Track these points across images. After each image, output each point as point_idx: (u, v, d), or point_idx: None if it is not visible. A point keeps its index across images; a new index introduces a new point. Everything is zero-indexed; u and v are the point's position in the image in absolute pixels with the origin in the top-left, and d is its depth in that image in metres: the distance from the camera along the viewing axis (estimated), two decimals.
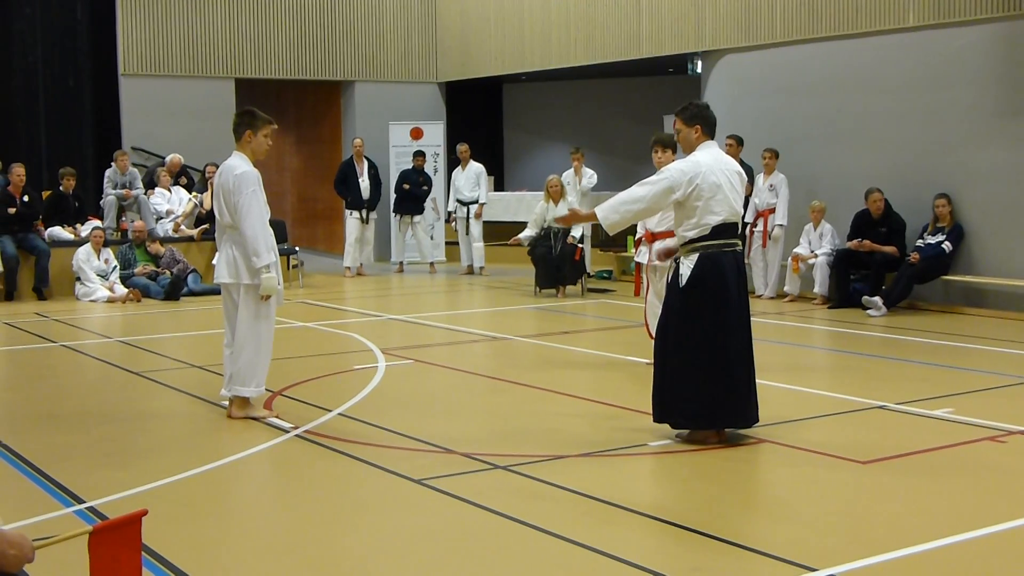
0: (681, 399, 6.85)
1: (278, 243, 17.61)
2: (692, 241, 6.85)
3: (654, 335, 7.40)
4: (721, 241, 6.84)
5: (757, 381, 7.03)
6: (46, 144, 19.80)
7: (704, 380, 6.79)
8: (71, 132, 20.07)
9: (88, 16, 19.94)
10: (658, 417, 7.01)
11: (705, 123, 7.04)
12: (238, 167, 7.69)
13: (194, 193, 17.76)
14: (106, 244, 15.87)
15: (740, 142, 14.54)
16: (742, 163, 15.02)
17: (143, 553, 4.80)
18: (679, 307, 6.89)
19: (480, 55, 21.29)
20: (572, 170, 16.94)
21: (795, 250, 14.47)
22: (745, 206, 14.80)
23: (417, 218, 19.18)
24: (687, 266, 6.85)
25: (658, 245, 9.21)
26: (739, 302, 6.89)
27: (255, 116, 7.77)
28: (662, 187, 6.83)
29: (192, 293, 15.78)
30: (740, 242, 7.03)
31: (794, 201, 14.58)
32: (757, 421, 6.97)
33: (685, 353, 6.85)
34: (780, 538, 5.21)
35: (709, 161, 6.87)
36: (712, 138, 7.07)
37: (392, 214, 19.39)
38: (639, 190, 6.97)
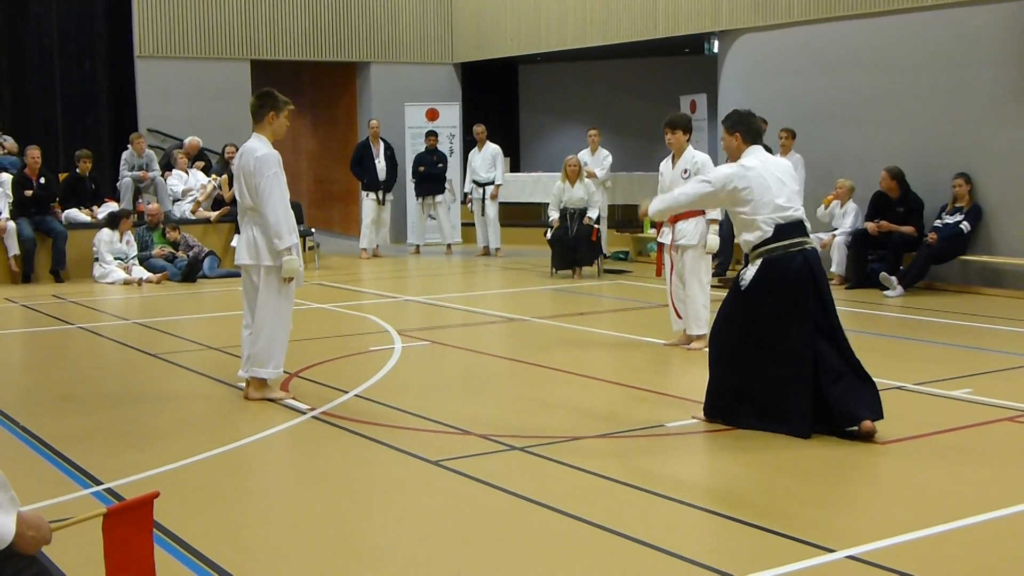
0: (731, 398, 6.80)
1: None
2: (756, 246, 6.76)
3: (708, 333, 7.34)
4: (787, 242, 6.69)
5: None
6: (62, 126, 19.83)
7: (755, 382, 6.71)
8: (87, 114, 20.08)
9: None
10: (710, 414, 6.96)
11: (746, 131, 7.02)
12: (259, 149, 7.69)
13: (213, 175, 17.76)
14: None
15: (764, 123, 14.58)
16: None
17: (161, 534, 4.86)
18: (739, 309, 6.79)
19: (496, 36, 21.23)
20: (588, 150, 16.95)
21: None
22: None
23: (438, 198, 19.18)
24: (751, 270, 6.75)
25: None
26: (809, 305, 6.61)
27: (276, 97, 7.78)
28: (704, 191, 6.98)
29: (206, 277, 15.78)
30: (809, 240, 6.84)
31: (811, 181, 14.51)
32: (806, 434, 6.54)
33: (739, 355, 6.75)
34: (799, 519, 5.20)
35: (755, 165, 6.81)
36: (755, 143, 7.02)
37: (414, 198, 19.42)
38: (691, 188, 7.15)
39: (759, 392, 6.70)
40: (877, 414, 6.53)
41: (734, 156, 7.01)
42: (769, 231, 6.68)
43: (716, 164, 9.17)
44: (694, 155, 9.62)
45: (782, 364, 6.60)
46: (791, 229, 6.72)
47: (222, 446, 6.57)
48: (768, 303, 6.64)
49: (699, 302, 9.57)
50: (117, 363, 9.82)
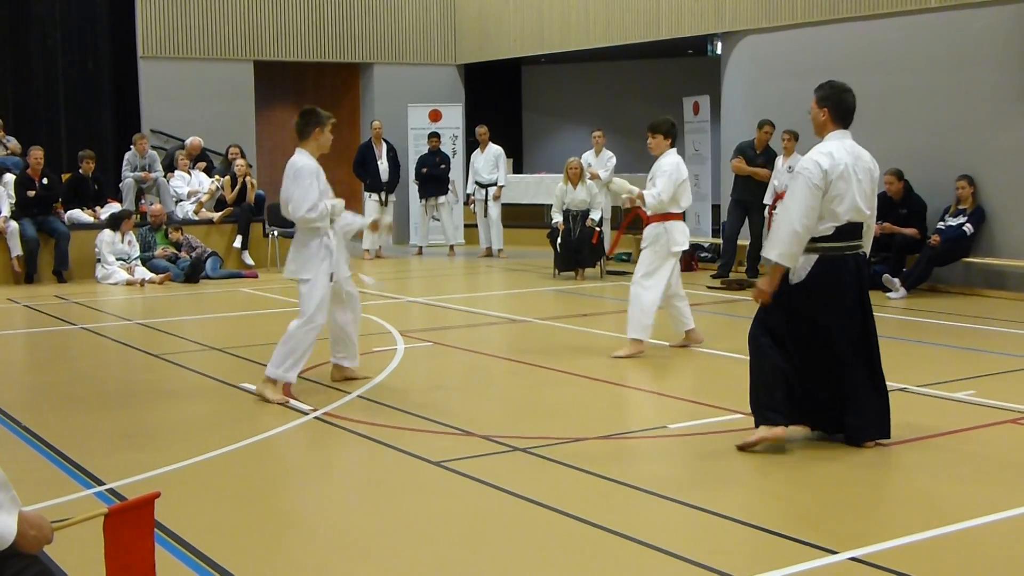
0: (767, 394, 6.33)
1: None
2: (813, 240, 6.25)
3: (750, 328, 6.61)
4: (844, 243, 6.31)
5: None
6: (65, 127, 19.84)
7: (791, 380, 6.30)
8: (90, 115, 20.09)
9: None
10: (756, 420, 6.42)
11: (835, 108, 6.45)
12: (298, 162, 8.00)
13: (216, 176, 17.76)
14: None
15: (773, 126, 14.64)
16: (767, 149, 14.97)
17: (163, 534, 4.86)
18: (785, 304, 6.33)
19: (499, 37, 21.24)
20: (592, 151, 16.95)
21: None
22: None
23: (442, 199, 19.19)
24: (803, 266, 6.29)
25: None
26: (856, 309, 6.36)
27: (319, 114, 8.10)
28: (805, 188, 6.21)
29: (209, 278, 15.79)
30: (863, 243, 6.44)
31: None
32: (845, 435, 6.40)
33: (782, 353, 6.33)
34: (801, 520, 5.19)
35: (841, 154, 6.28)
36: (844, 127, 6.45)
37: (418, 199, 19.44)
38: (786, 205, 6.36)
39: (788, 389, 6.33)
40: (884, 433, 6.42)
41: (818, 133, 6.49)
42: (832, 230, 6.26)
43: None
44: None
45: (820, 365, 6.37)
46: (854, 230, 6.34)
47: (224, 446, 6.57)
48: (815, 303, 6.30)
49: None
50: (119, 363, 9.82)
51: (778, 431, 6.28)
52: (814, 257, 6.28)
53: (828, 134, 6.45)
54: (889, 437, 6.43)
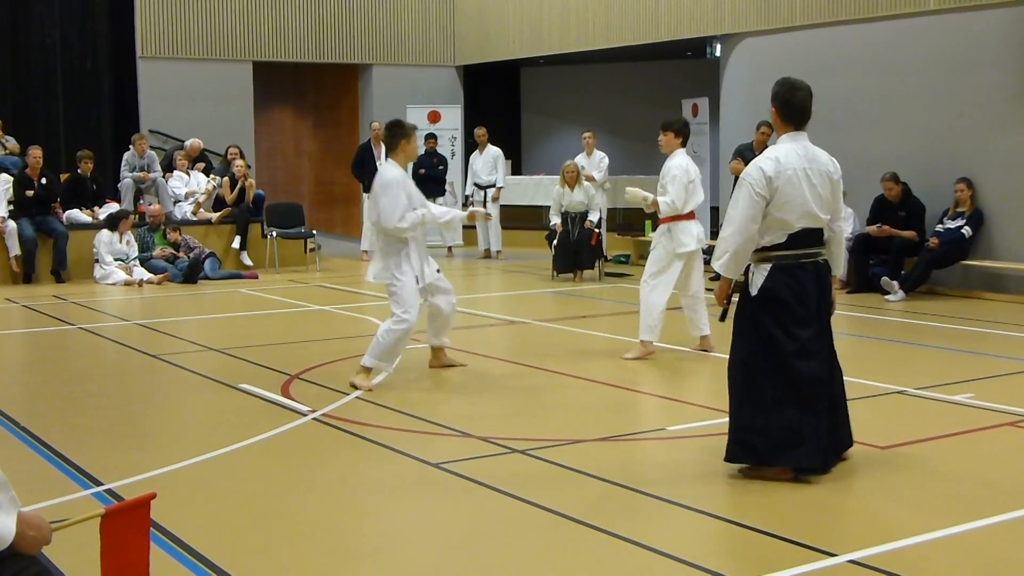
0: (744, 429, 5.92)
1: (294, 226, 17.63)
2: (765, 249, 5.96)
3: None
4: (800, 251, 5.95)
5: None
6: (64, 127, 19.83)
7: (770, 409, 5.85)
8: (89, 115, 20.08)
9: None
10: (728, 454, 5.99)
11: (783, 106, 6.11)
12: (386, 173, 8.34)
13: (213, 176, 17.75)
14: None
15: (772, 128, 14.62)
16: (765, 147, 14.98)
17: (161, 535, 4.86)
18: (746, 320, 6.02)
19: (498, 38, 21.24)
20: (584, 153, 16.97)
21: None
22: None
23: (439, 200, 19.18)
24: (759, 275, 5.97)
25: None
26: (819, 320, 5.98)
27: (404, 126, 8.57)
28: (747, 197, 5.89)
29: (208, 278, 15.76)
30: (823, 251, 6.07)
31: None
32: (827, 464, 5.93)
33: (751, 376, 5.95)
34: (799, 523, 5.19)
35: (789, 159, 5.94)
36: (797, 128, 6.08)
37: None
38: (729, 214, 6.02)
39: (769, 419, 5.88)
40: (850, 442, 6.21)
41: (778, 135, 6.19)
42: (784, 237, 5.96)
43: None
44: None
45: (790, 386, 5.91)
46: (810, 237, 5.99)
47: (222, 447, 6.57)
48: (776, 316, 5.94)
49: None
50: (117, 364, 9.82)
51: None
52: (767, 267, 5.96)
53: (781, 136, 6.12)
54: (851, 444, 6.20)
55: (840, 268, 6.26)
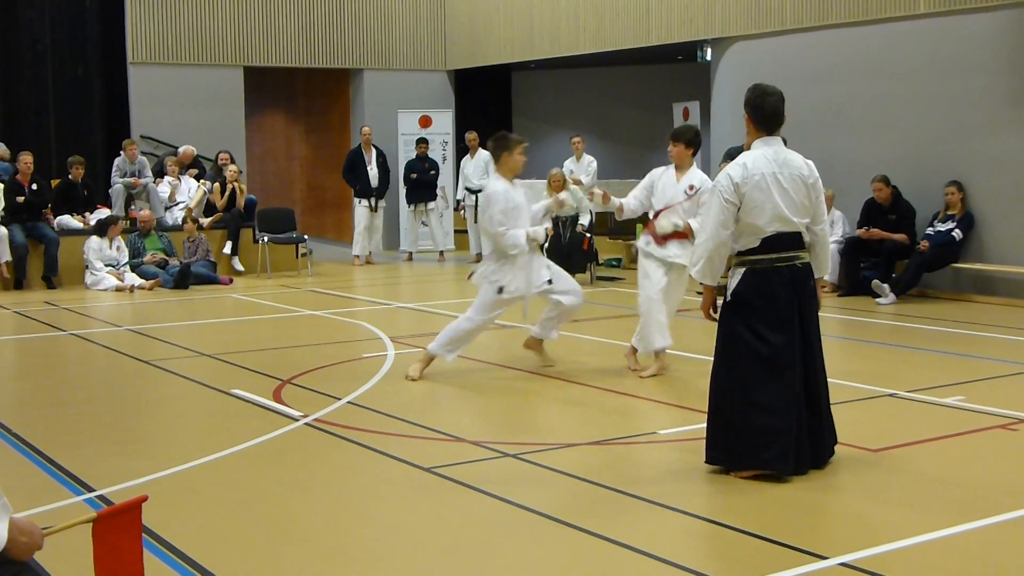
0: (720, 431, 6.05)
1: (285, 231, 17.61)
2: (740, 253, 6.06)
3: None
4: (774, 255, 5.99)
5: None
6: (55, 132, 19.79)
7: (743, 413, 5.93)
8: (80, 120, 20.04)
9: (97, 4, 19.89)
10: (706, 456, 6.14)
11: (754, 112, 6.13)
12: (489, 188, 8.71)
13: (203, 181, 17.73)
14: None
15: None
16: None
17: (153, 540, 4.85)
18: (722, 325, 6.12)
19: (489, 43, 21.25)
20: (573, 157, 17.01)
21: None
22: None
23: (431, 205, 19.20)
24: (734, 280, 6.07)
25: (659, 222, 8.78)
26: (794, 327, 5.97)
27: (507, 139, 8.76)
28: (718, 203, 5.99)
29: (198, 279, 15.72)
30: (802, 255, 6.08)
31: None
32: (800, 469, 5.94)
33: (728, 379, 6.05)
34: (791, 526, 5.20)
35: (758, 164, 5.99)
36: (769, 133, 6.13)
37: (406, 205, 19.43)
38: (702, 221, 6.20)
39: (744, 424, 5.96)
40: (833, 446, 6.21)
41: (748, 144, 6.22)
42: (757, 241, 6.03)
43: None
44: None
45: (763, 393, 5.97)
46: (785, 241, 6.03)
47: (215, 452, 6.56)
48: (748, 321, 5.99)
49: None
50: (109, 370, 9.81)
51: None
52: (741, 271, 6.04)
53: (754, 141, 6.15)
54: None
55: (825, 270, 6.28)
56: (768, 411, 5.87)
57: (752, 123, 6.15)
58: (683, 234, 8.71)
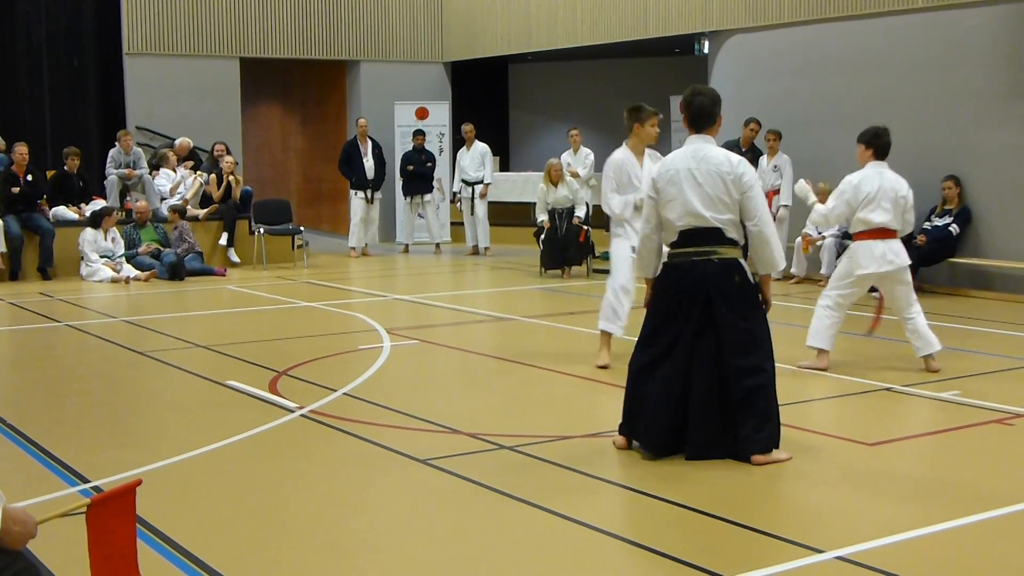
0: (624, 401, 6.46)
1: (281, 223, 17.58)
2: (670, 247, 6.33)
3: None
4: (690, 249, 6.16)
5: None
6: (50, 123, 19.73)
7: (631, 382, 6.36)
8: (75, 111, 19.99)
9: None
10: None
11: (686, 109, 6.34)
12: (614, 155, 8.73)
13: (199, 172, 17.69)
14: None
15: (759, 124, 14.70)
16: (752, 146, 14.97)
17: (148, 531, 4.84)
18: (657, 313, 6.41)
19: (486, 35, 21.22)
20: (570, 150, 17.01)
21: (804, 231, 14.40)
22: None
23: (427, 197, 19.18)
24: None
25: None
26: (688, 318, 6.11)
27: (641, 109, 8.64)
28: (646, 200, 6.47)
29: (192, 273, 15.68)
30: (722, 250, 6.14)
31: None
32: (657, 453, 6.16)
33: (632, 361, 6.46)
34: (787, 520, 5.20)
35: (676, 160, 6.24)
36: (697, 131, 6.30)
37: (403, 197, 19.42)
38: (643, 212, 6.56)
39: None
40: (726, 452, 6.16)
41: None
42: (675, 235, 6.23)
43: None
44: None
45: (635, 370, 6.44)
46: (701, 236, 6.16)
47: (210, 444, 6.55)
48: (652, 308, 6.38)
49: None
50: (104, 361, 9.78)
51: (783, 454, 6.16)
52: (663, 264, 6.36)
53: (688, 138, 6.37)
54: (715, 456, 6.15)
55: (770, 268, 6.32)
56: (642, 390, 6.26)
57: (685, 121, 6.38)
58: None
